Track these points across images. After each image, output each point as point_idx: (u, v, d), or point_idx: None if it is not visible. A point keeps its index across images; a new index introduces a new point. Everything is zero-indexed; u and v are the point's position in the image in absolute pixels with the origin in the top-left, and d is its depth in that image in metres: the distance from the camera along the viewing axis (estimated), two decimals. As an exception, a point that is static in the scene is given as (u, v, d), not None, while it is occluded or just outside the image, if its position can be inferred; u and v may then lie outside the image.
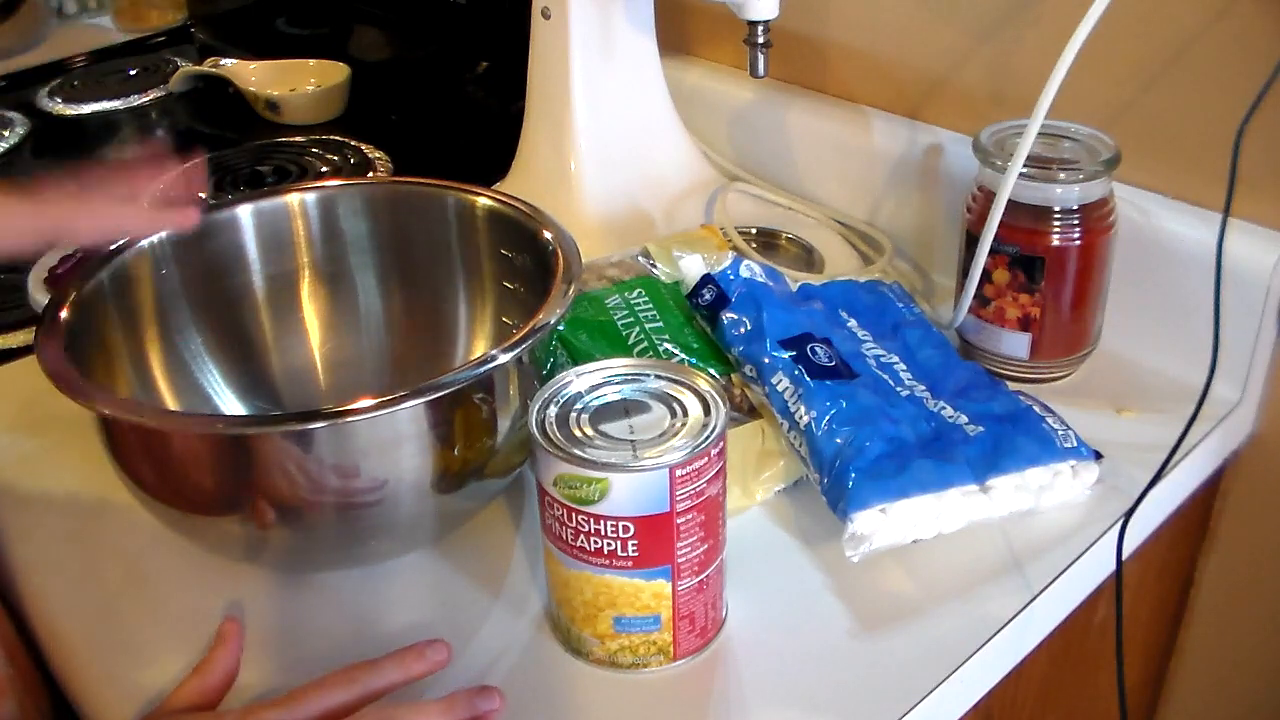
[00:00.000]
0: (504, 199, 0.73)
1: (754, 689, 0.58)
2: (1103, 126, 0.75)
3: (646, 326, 0.75)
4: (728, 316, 0.73)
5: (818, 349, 0.71)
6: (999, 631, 0.61)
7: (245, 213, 0.74)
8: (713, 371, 0.73)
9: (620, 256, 0.84)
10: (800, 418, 0.67)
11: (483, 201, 0.74)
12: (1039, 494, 0.66)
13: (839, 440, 0.65)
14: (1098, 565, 0.66)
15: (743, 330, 0.72)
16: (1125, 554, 0.66)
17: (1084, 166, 0.73)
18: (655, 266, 0.83)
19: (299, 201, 0.75)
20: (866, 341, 0.74)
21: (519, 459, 0.66)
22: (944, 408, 0.69)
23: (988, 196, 0.74)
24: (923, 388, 0.71)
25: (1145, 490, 0.66)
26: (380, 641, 0.62)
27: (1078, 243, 0.73)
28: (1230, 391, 0.75)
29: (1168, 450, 0.67)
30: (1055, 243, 0.73)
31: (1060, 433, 0.67)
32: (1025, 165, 0.71)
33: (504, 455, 0.64)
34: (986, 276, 0.76)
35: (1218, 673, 0.87)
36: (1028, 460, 0.66)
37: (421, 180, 0.76)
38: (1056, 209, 0.73)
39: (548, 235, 0.69)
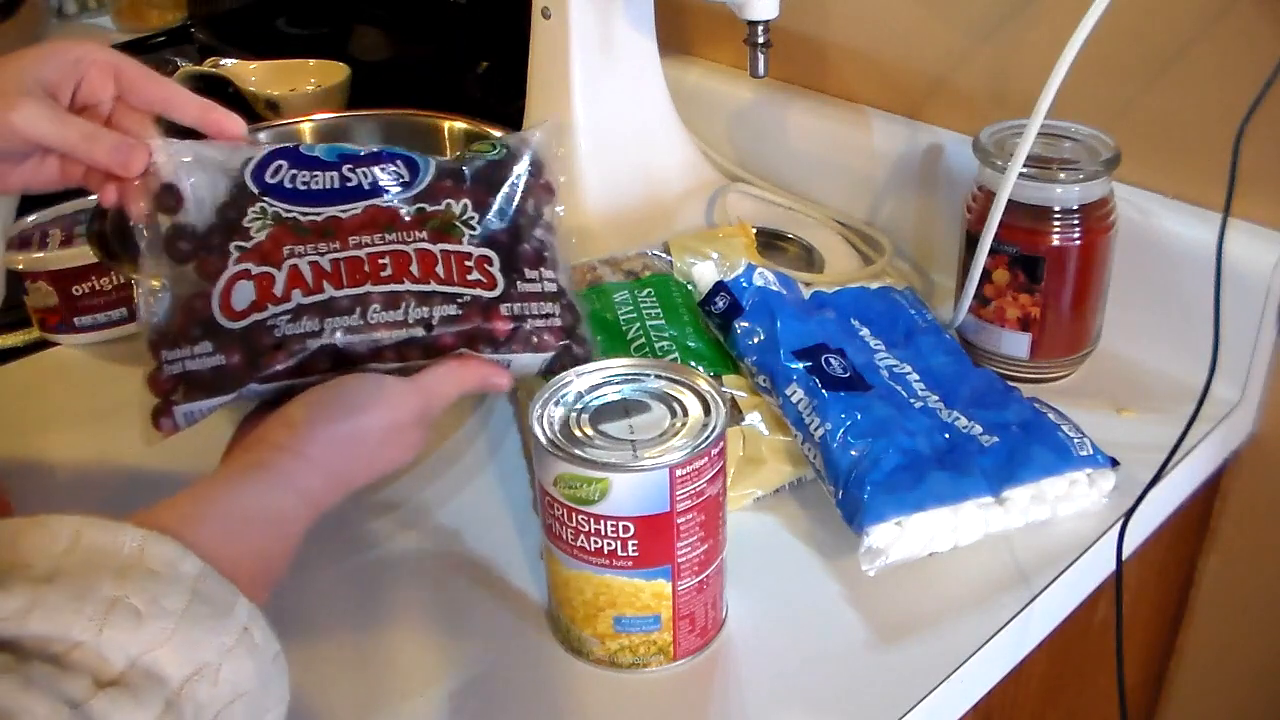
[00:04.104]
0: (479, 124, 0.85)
1: (754, 689, 0.58)
2: (1103, 126, 0.75)
3: (648, 324, 0.75)
4: (741, 326, 0.73)
5: (832, 360, 0.70)
6: (999, 631, 0.61)
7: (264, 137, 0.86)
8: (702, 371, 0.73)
9: (639, 251, 0.84)
10: (815, 430, 0.66)
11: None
12: (1055, 504, 0.66)
13: (854, 453, 0.65)
14: (1098, 565, 0.66)
15: (756, 340, 0.72)
16: (1125, 554, 0.66)
17: (1084, 166, 0.73)
18: (674, 264, 0.83)
19: (310, 130, 0.89)
20: (879, 351, 0.74)
21: None
22: (958, 418, 0.69)
23: (988, 196, 0.74)
24: (936, 398, 0.71)
25: (1145, 490, 0.66)
26: (381, 643, 0.62)
27: (1078, 242, 0.73)
28: (1230, 391, 0.75)
29: (1168, 450, 0.67)
30: (1055, 242, 0.73)
31: (1076, 441, 0.67)
32: (1025, 165, 0.71)
33: None
34: (986, 276, 0.76)
35: (1218, 673, 0.87)
36: (1043, 470, 0.65)
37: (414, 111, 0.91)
38: (1056, 209, 0.73)
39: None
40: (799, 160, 0.98)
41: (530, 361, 0.61)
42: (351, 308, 0.57)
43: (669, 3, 0.96)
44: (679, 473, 0.54)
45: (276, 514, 0.51)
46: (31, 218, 0.89)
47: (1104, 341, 0.79)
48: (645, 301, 0.77)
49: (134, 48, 1.48)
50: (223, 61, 1.28)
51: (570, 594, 0.58)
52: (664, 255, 0.84)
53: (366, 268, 0.58)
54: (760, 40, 0.83)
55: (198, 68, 1.30)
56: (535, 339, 0.60)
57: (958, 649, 0.59)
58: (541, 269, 0.61)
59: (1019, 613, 0.62)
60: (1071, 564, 0.64)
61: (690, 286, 0.81)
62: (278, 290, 0.57)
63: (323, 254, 0.58)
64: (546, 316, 0.60)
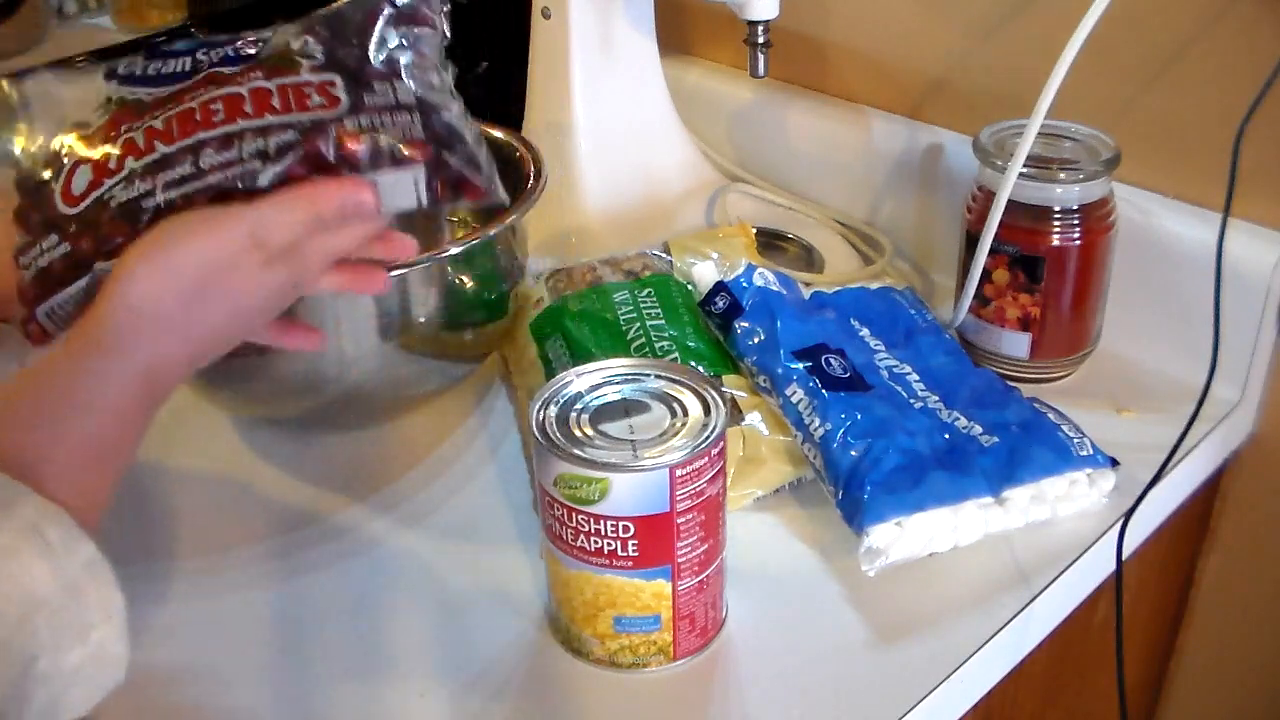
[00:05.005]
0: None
1: (754, 689, 0.58)
2: (1103, 126, 0.75)
3: (648, 324, 0.75)
4: (741, 326, 0.73)
5: (832, 360, 0.70)
6: (999, 631, 0.61)
7: None
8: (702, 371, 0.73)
9: (639, 251, 0.84)
10: (815, 430, 0.66)
11: None
12: (1055, 504, 0.66)
13: (854, 453, 0.65)
14: (1098, 565, 0.66)
15: (756, 340, 0.72)
16: (1125, 554, 0.66)
17: (1084, 166, 0.73)
18: (673, 264, 0.83)
19: None
20: (879, 352, 0.74)
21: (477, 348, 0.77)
22: (958, 418, 0.69)
23: (988, 196, 0.74)
24: (935, 398, 0.71)
25: (1145, 490, 0.66)
26: (381, 642, 0.62)
27: (1078, 242, 0.73)
28: (1230, 391, 0.75)
29: (1168, 450, 0.67)
30: (1055, 242, 0.73)
31: (1076, 441, 0.67)
32: (1025, 165, 0.71)
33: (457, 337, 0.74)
34: (986, 276, 0.76)
35: (1218, 673, 0.87)
36: (1043, 470, 0.65)
37: None
38: (1056, 209, 0.73)
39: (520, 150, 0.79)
40: (799, 160, 0.98)
41: (399, 183, 0.55)
42: (183, 159, 0.53)
43: (669, 3, 0.96)
44: (679, 473, 0.54)
45: (104, 392, 0.47)
46: None
47: (1104, 341, 0.79)
48: (645, 301, 0.77)
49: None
50: (223, 62, 1.28)
51: (570, 594, 0.58)
52: (664, 255, 0.84)
53: (198, 116, 0.54)
54: (760, 40, 0.83)
55: (198, 68, 1.30)
56: (394, 153, 0.54)
57: (958, 649, 0.59)
58: (394, 81, 0.55)
59: (1019, 613, 0.62)
60: (1071, 564, 0.64)
61: (690, 286, 0.81)
62: (112, 164, 0.54)
63: (156, 117, 0.55)
64: (404, 127, 0.54)
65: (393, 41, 0.56)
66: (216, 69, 0.56)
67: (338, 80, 0.54)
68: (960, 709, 0.61)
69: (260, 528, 0.70)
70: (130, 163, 0.54)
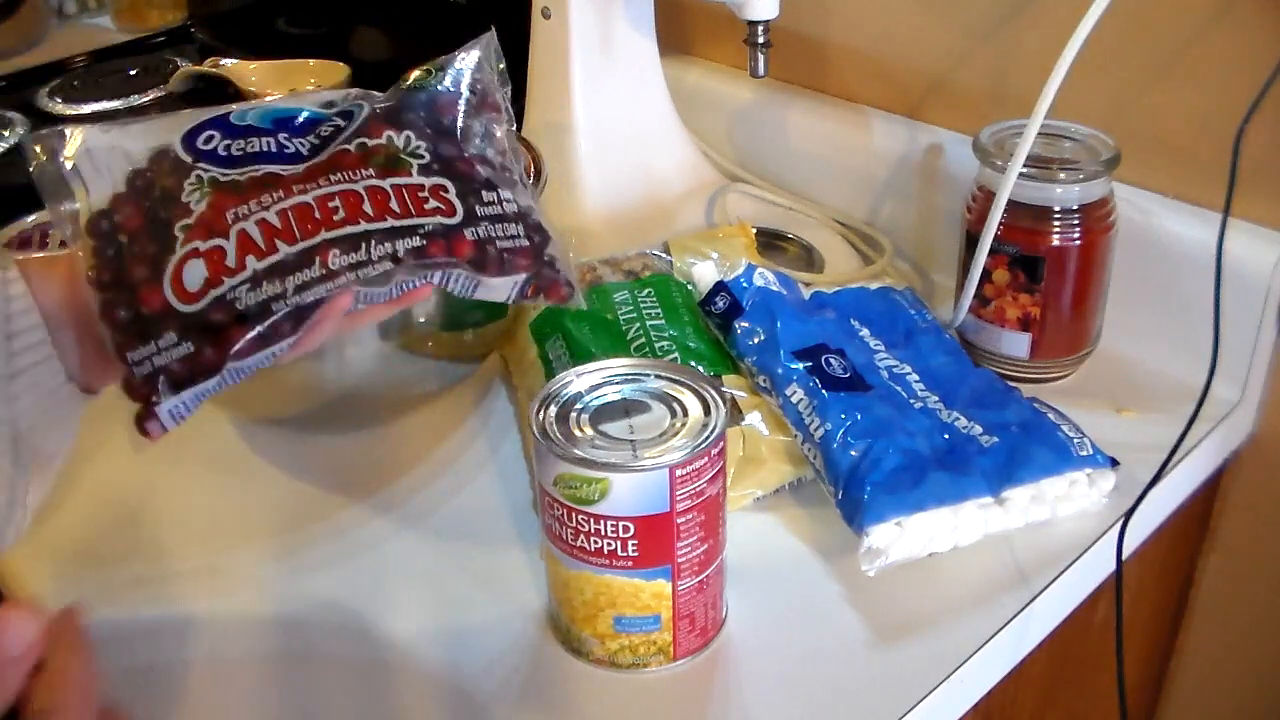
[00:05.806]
0: None
1: (754, 689, 0.58)
2: (1103, 126, 0.75)
3: (648, 324, 0.75)
4: (741, 326, 0.73)
5: (832, 360, 0.70)
6: (999, 631, 0.61)
7: None
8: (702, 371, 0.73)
9: (639, 251, 0.84)
10: (815, 430, 0.66)
11: None
12: (1055, 504, 0.66)
13: (854, 453, 0.65)
14: (1098, 565, 0.67)
15: (756, 340, 0.72)
16: (1125, 554, 0.66)
17: (1084, 166, 0.73)
18: (673, 264, 0.83)
19: None
20: (879, 352, 0.74)
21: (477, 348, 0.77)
22: (958, 419, 0.69)
23: (988, 196, 0.74)
24: (935, 398, 0.71)
25: (1145, 490, 0.66)
26: (380, 643, 0.62)
27: (1078, 242, 0.73)
28: (1230, 391, 0.75)
29: (1168, 450, 0.67)
30: (1055, 242, 0.73)
31: (1076, 441, 0.67)
32: (1025, 165, 0.71)
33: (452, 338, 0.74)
34: (986, 276, 0.76)
35: (1218, 673, 0.87)
36: (1043, 470, 0.65)
37: None
38: (1056, 209, 0.73)
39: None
40: (799, 160, 0.98)
41: (501, 284, 0.57)
42: (310, 259, 0.53)
43: (669, 3, 0.96)
44: (679, 473, 0.54)
45: None
46: (31, 218, 0.89)
47: (1104, 341, 0.79)
48: (645, 301, 0.77)
49: (134, 48, 1.48)
50: (223, 61, 1.28)
51: (570, 594, 0.58)
52: (664, 255, 0.84)
53: (317, 214, 0.54)
54: (760, 40, 0.83)
55: (198, 68, 1.30)
56: (504, 261, 0.56)
57: (958, 649, 0.59)
58: (499, 190, 0.58)
59: (1019, 613, 0.62)
60: (1071, 564, 0.64)
61: (690, 286, 0.81)
62: (230, 262, 0.53)
63: (268, 208, 0.54)
64: (513, 238, 0.57)
65: (477, 132, 0.59)
66: (312, 161, 0.56)
67: (449, 185, 0.57)
68: (960, 709, 0.61)
69: (260, 528, 0.70)
70: (252, 262, 0.53)
